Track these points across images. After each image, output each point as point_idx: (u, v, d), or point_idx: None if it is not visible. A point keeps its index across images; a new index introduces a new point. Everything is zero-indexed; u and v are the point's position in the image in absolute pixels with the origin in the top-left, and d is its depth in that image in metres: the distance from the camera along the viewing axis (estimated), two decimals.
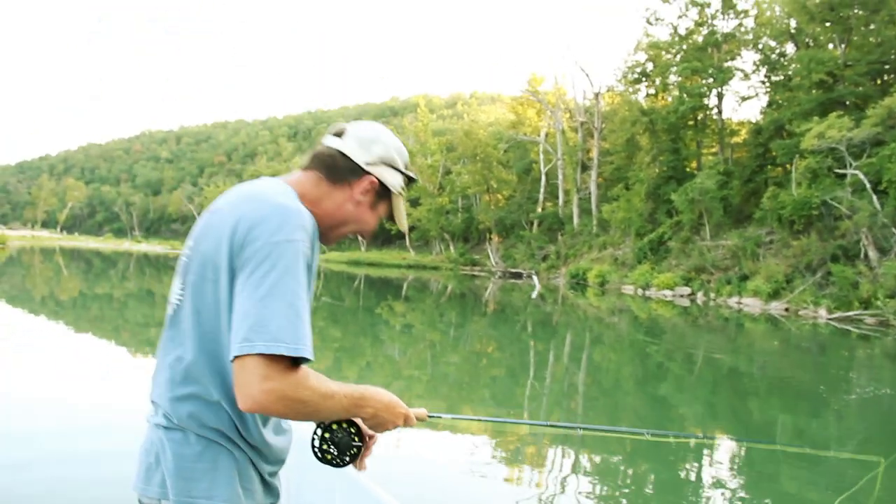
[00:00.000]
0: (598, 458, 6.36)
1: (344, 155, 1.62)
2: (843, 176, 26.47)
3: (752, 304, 26.78)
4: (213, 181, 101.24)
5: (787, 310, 25.16)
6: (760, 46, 36.21)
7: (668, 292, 31.37)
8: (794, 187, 28.21)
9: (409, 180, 1.75)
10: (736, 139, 39.18)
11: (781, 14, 34.19)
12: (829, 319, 22.77)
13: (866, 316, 22.27)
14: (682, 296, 30.79)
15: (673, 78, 39.01)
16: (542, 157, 53.23)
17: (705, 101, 37.66)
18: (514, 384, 10.29)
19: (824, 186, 26.71)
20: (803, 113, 29.53)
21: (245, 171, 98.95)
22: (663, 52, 39.64)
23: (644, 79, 41.71)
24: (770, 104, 35.68)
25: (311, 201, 1.58)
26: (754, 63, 36.94)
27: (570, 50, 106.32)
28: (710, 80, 36.46)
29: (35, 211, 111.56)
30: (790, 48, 34.92)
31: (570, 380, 10.96)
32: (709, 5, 37.42)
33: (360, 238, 1.76)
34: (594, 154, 47.17)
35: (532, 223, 52.11)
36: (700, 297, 30.27)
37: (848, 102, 29.56)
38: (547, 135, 53.34)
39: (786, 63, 34.77)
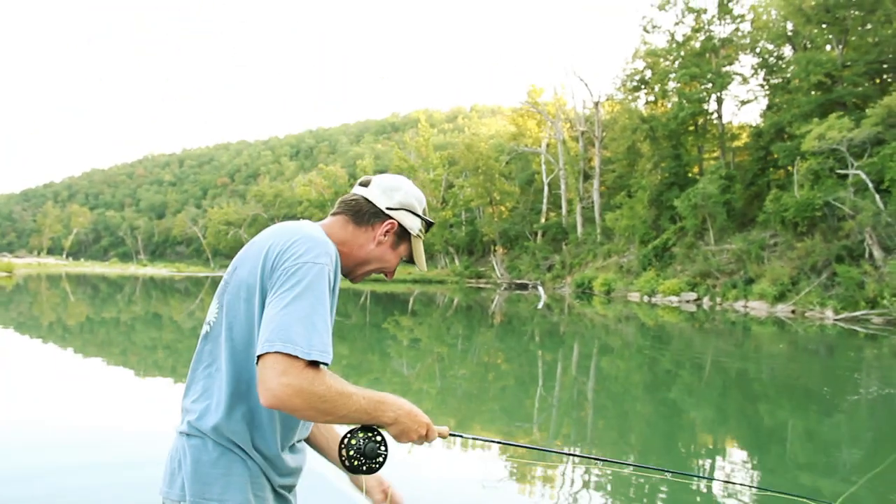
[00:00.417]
0: (605, 481, 6.37)
1: (368, 200, 1.83)
2: (845, 176, 26.49)
3: (758, 308, 26.74)
4: (217, 202, 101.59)
5: (793, 312, 25.12)
6: (758, 50, 36.31)
7: (674, 298, 31.34)
8: (796, 189, 28.22)
9: (428, 225, 1.96)
10: (737, 143, 39.25)
11: (778, 17, 34.31)
12: (836, 320, 22.72)
13: (873, 315, 22.23)
14: (688, 301, 30.76)
15: (672, 84, 39.16)
16: (543, 167, 53.37)
17: (705, 106, 37.76)
18: (524, 397, 10.29)
19: (826, 187, 26.72)
20: (803, 115, 29.60)
21: (248, 192, 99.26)
22: (661, 60, 39.79)
23: (643, 86, 41.85)
24: (770, 107, 35.75)
25: (339, 241, 1.78)
26: (752, 67, 37.09)
27: (569, 60, 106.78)
28: (709, 85, 36.58)
29: (41, 238, 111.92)
30: (788, 51, 35.02)
31: (580, 389, 10.95)
32: (705, 11, 37.61)
33: (384, 276, 1.95)
34: (596, 163, 47.27)
35: (536, 234, 52.17)
36: (706, 302, 30.23)
37: (847, 103, 29.61)
38: (548, 145, 53.49)
39: (784, 66, 34.87)
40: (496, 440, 2.14)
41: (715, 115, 38.58)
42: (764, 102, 37.10)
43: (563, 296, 38.21)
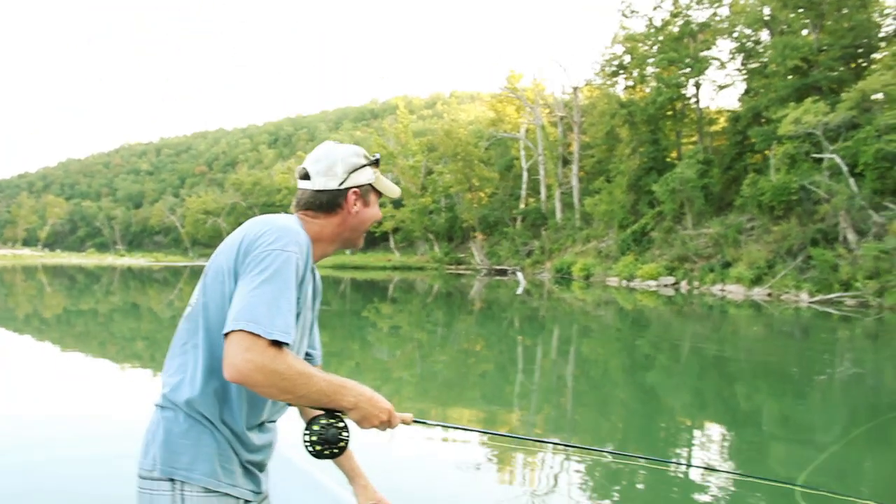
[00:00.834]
0: (583, 465, 6.43)
1: (320, 191, 1.89)
2: (821, 160, 26.74)
3: (735, 291, 27.01)
4: (195, 191, 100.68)
5: (769, 295, 25.40)
6: (735, 35, 36.43)
7: (652, 283, 31.58)
8: (772, 173, 28.47)
9: (376, 162, 2.00)
10: (714, 128, 39.47)
11: (755, 2, 34.45)
12: (811, 303, 23.02)
13: (847, 298, 22.55)
14: (666, 285, 31.00)
15: (650, 69, 39.23)
16: (522, 153, 53.39)
17: (683, 91, 37.86)
18: (503, 383, 10.35)
19: (802, 171, 26.97)
20: (780, 99, 29.80)
21: (226, 180, 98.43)
22: (640, 45, 39.83)
23: (621, 71, 41.89)
24: (747, 92, 35.93)
25: (318, 231, 1.88)
26: (730, 51, 37.19)
27: (548, 46, 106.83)
28: (687, 70, 36.68)
29: (15, 229, 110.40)
30: (765, 35, 35.17)
31: (559, 374, 11.04)
32: None
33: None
34: (575, 148, 47.36)
35: (515, 220, 52.25)
36: (684, 285, 30.48)
37: (823, 87, 29.83)
38: (527, 131, 53.51)
39: (761, 50, 35.01)
40: (461, 427, 2.18)
41: (693, 99, 38.75)
42: (741, 87, 37.31)
43: (542, 281, 38.35)
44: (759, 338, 16.15)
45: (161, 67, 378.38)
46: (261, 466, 1.83)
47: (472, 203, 55.01)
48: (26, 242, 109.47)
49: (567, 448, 6.44)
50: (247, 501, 1.76)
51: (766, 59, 33.52)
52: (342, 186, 1.89)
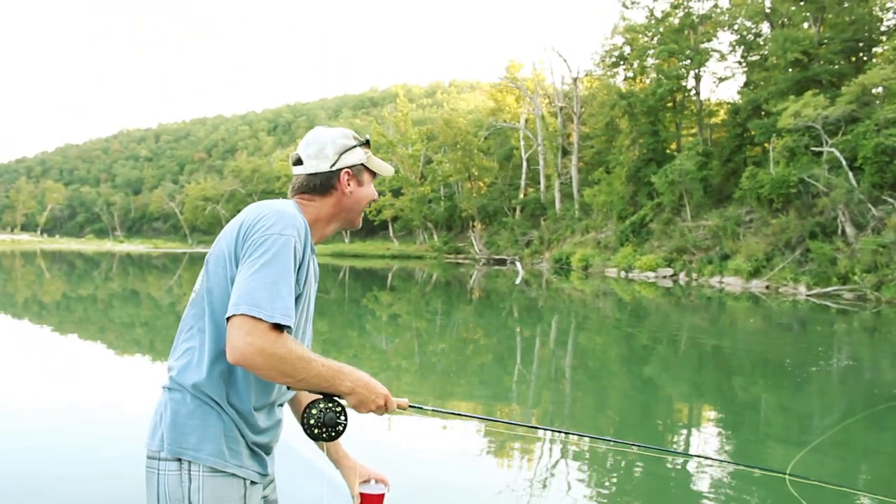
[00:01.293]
0: (581, 452, 6.50)
1: (313, 174, 1.95)
2: (820, 154, 26.77)
3: (733, 283, 27.09)
4: (194, 178, 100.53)
5: (767, 287, 25.48)
6: (736, 27, 36.38)
7: (650, 274, 31.66)
8: (772, 166, 28.50)
9: (367, 142, 2.04)
10: (714, 120, 39.45)
11: None
12: (809, 295, 23.10)
13: (844, 291, 22.63)
14: (664, 277, 31.08)
15: (650, 61, 39.17)
16: (522, 143, 53.36)
17: (683, 82, 37.87)
18: (502, 372, 10.42)
19: (801, 164, 27.00)
20: (780, 92, 29.82)
21: (226, 167, 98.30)
22: (640, 36, 39.75)
23: (622, 62, 41.81)
24: (747, 84, 35.92)
25: (313, 213, 1.94)
26: (730, 44, 37.17)
27: (548, 35, 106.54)
28: (688, 61, 36.67)
29: (14, 215, 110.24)
30: (765, 28, 35.13)
31: (558, 364, 11.11)
32: None
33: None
34: (574, 138, 47.34)
35: (514, 209, 52.27)
36: (682, 277, 30.56)
37: (823, 81, 29.85)
38: (527, 121, 53.45)
39: (761, 43, 34.99)
40: (456, 413, 2.23)
41: (693, 91, 38.74)
42: (741, 79, 37.28)
43: (541, 271, 38.43)
44: (757, 330, 16.23)
45: (161, 67, 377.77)
46: (267, 449, 1.86)
47: (471, 192, 55.02)
48: (25, 228, 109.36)
49: (562, 435, 6.51)
50: (252, 482, 1.79)
51: (766, 52, 33.51)
52: (334, 168, 1.94)
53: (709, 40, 37.21)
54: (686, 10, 37.71)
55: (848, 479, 5.46)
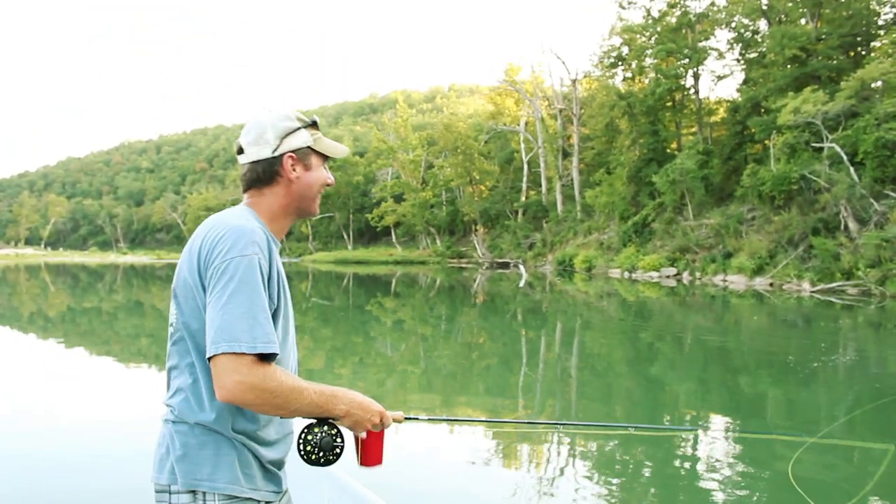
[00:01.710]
0: (586, 449, 6.51)
1: (255, 162, 1.84)
2: (821, 149, 26.76)
3: (737, 281, 27.07)
4: (196, 188, 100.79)
5: (771, 285, 25.46)
6: (733, 24, 36.38)
7: (654, 274, 31.64)
8: (772, 163, 28.50)
9: (314, 123, 1.91)
10: (714, 118, 39.45)
11: None
12: (813, 292, 23.07)
13: (849, 286, 22.61)
14: (668, 276, 31.07)
15: (648, 60, 39.20)
16: (522, 146, 53.41)
17: (682, 81, 37.91)
18: (508, 375, 10.42)
19: (802, 161, 26.99)
20: (778, 89, 29.82)
21: (227, 177, 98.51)
22: (638, 36, 39.78)
23: (620, 63, 41.85)
24: (746, 82, 35.92)
25: (267, 209, 1.84)
26: (728, 41, 37.16)
27: (546, 38, 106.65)
28: (686, 60, 36.70)
29: (17, 229, 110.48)
30: (763, 25, 35.14)
31: (563, 366, 11.10)
32: None
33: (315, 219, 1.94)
34: (574, 140, 47.37)
35: (516, 212, 52.31)
36: (686, 276, 30.54)
37: (822, 76, 29.85)
38: (526, 124, 53.49)
39: (759, 40, 34.99)
40: (452, 419, 2.21)
41: (692, 90, 38.75)
42: (740, 77, 37.29)
43: (544, 274, 38.43)
44: (762, 327, 16.22)
45: (161, 67, 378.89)
46: (279, 464, 1.83)
47: (472, 196, 55.08)
48: (29, 241, 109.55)
49: (568, 436, 6.52)
50: (268, 502, 1.77)
51: (764, 49, 33.51)
52: (276, 153, 1.82)
53: (706, 39, 37.25)
54: (683, 8, 37.74)
55: (850, 470, 5.47)
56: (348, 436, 1.79)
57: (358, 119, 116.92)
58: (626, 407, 8.31)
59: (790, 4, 31.83)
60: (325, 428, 1.73)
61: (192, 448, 1.66)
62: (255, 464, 1.73)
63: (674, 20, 38.04)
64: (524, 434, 6.72)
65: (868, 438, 6.66)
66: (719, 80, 39.11)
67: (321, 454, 1.74)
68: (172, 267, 54.03)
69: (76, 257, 78.63)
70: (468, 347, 13.58)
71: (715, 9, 37.25)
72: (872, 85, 26.63)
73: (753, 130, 32.10)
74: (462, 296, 26.55)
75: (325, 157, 1.92)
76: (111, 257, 78.59)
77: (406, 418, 1.94)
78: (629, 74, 42.11)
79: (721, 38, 40.23)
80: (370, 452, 1.97)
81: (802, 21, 31.43)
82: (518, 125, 54.15)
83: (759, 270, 26.61)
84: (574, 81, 48.16)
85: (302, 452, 1.74)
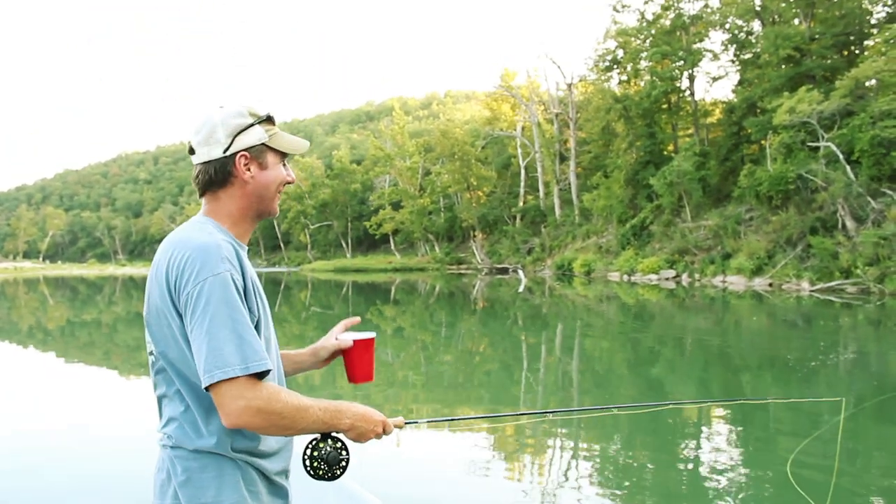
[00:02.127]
0: (577, 441, 6.51)
1: (207, 163, 1.74)
2: (817, 149, 26.82)
3: (736, 282, 27.10)
4: (194, 199, 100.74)
5: (770, 285, 25.49)
6: (727, 26, 36.51)
7: (653, 276, 31.67)
8: (769, 163, 28.56)
9: (269, 119, 1.80)
10: (710, 119, 39.55)
11: None
12: (812, 291, 23.10)
13: (847, 285, 22.64)
14: (667, 279, 31.09)
15: (644, 63, 39.30)
16: (519, 150, 53.50)
17: (677, 83, 38.00)
18: (508, 381, 10.43)
19: (799, 160, 27.04)
20: (774, 89, 29.89)
21: None
22: (632, 39, 39.91)
23: (615, 66, 41.95)
24: (741, 82, 36.02)
25: (226, 214, 1.76)
26: (723, 43, 37.31)
27: (541, 42, 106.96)
28: (681, 62, 36.79)
29: (16, 242, 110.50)
30: (757, 26, 35.25)
31: (564, 370, 11.10)
32: None
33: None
34: (571, 144, 47.46)
35: (515, 217, 52.36)
36: (685, 278, 30.56)
37: (816, 76, 29.91)
38: (523, 128, 53.59)
39: (753, 41, 35.11)
40: (449, 418, 2.21)
41: (687, 92, 38.86)
42: (735, 78, 37.39)
43: (544, 278, 38.43)
44: (762, 328, 16.22)
45: (161, 67, 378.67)
46: (285, 473, 1.81)
47: (470, 202, 55.12)
48: (27, 255, 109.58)
49: (574, 439, 6.53)
50: None
51: (758, 50, 33.60)
52: (228, 153, 1.72)
53: (701, 40, 37.35)
54: (677, 11, 37.87)
55: (851, 465, 5.47)
56: (353, 446, 1.79)
57: (355, 127, 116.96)
58: (627, 417, 8.30)
59: (783, 5, 31.94)
60: (330, 442, 1.73)
61: (195, 472, 1.62)
62: (260, 480, 1.70)
63: (668, 23, 38.16)
64: (524, 434, 6.74)
65: (870, 431, 6.67)
66: (714, 82, 39.27)
67: (328, 469, 1.73)
68: None
69: (75, 270, 78.60)
70: (469, 354, 13.58)
71: (709, 10, 37.38)
72: (867, 83, 26.71)
73: (749, 131, 32.18)
74: (462, 302, 26.54)
75: (283, 154, 1.81)
76: (110, 269, 78.55)
77: (406, 423, 1.93)
78: (624, 77, 42.24)
79: (715, 39, 40.50)
80: (358, 369, 1.99)
81: (796, 21, 31.54)
82: (515, 130, 54.24)
83: (758, 271, 26.64)
84: (570, 85, 48.28)
85: (309, 468, 1.73)
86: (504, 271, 45.45)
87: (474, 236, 53.54)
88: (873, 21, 30.78)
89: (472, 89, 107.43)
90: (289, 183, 1.84)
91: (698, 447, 6.56)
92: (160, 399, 1.70)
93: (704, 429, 7.21)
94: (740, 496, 5.03)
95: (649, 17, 39.09)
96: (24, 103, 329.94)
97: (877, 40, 28.63)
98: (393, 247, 63.06)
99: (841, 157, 25.31)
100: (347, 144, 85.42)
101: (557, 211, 47.76)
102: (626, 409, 5.56)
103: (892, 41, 25.45)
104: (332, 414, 1.66)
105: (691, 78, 38.12)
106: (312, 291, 32.71)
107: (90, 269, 78.97)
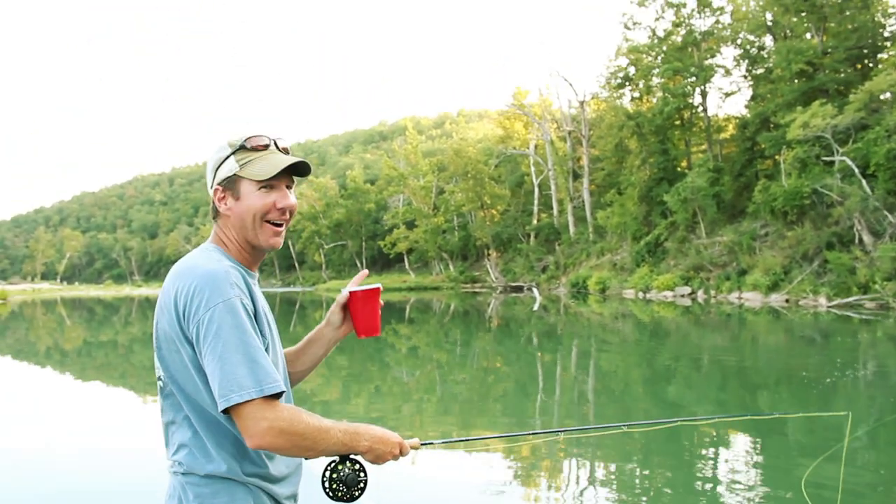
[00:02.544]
0: (593, 460, 6.47)
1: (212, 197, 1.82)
2: (832, 163, 26.69)
3: (752, 298, 26.90)
4: (209, 219, 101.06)
5: (787, 301, 25.28)
6: (739, 41, 36.57)
7: (668, 293, 31.49)
8: (784, 178, 28.42)
9: (241, 146, 1.77)
10: (723, 135, 39.47)
11: (757, 8, 34.60)
12: (830, 307, 22.88)
13: (866, 300, 22.42)
14: (682, 295, 30.90)
15: (656, 80, 39.33)
16: (532, 169, 53.52)
17: (689, 100, 37.97)
18: (523, 398, 10.38)
19: (814, 175, 26.91)
20: (787, 104, 29.82)
21: None
22: (644, 56, 39.99)
23: (627, 83, 42.05)
24: (754, 98, 35.99)
25: (228, 243, 1.79)
26: (734, 58, 37.41)
27: (553, 61, 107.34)
28: (693, 78, 36.78)
29: (34, 264, 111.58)
30: (768, 41, 35.29)
31: (580, 389, 11.05)
32: (684, 5, 37.84)
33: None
34: (584, 162, 47.45)
35: (529, 235, 52.30)
36: (700, 295, 30.37)
37: (830, 90, 29.85)
38: (536, 146, 53.65)
39: (765, 56, 35.12)
40: (464, 439, 2.19)
41: (700, 108, 38.82)
42: (748, 93, 37.40)
43: (558, 296, 38.32)
44: (780, 344, 16.08)
45: (161, 67, 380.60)
46: (294, 499, 1.83)
47: (484, 221, 55.14)
48: (45, 276, 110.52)
49: (573, 433, 6.49)
50: None
51: (770, 65, 33.59)
52: (212, 187, 1.79)
53: (713, 56, 37.41)
54: (688, 27, 37.94)
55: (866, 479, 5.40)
56: (370, 467, 1.80)
57: (368, 147, 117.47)
58: (643, 436, 8.23)
59: (795, 19, 31.92)
60: (349, 464, 1.74)
61: (207, 497, 1.63)
62: (268, 502, 1.71)
63: (679, 39, 38.24)
64: (539, 453, 6.70)
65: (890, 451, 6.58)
66: (727, 97, 39.24)
67: (346, 490, 1.75)
68: None
69: (92, 291, 79.13)
70: (484, 372, 13.53)
71: (720, 26, 37.44)
72: (881, 97, 26.60)
73: (763, 146, 32.08)
74: (477, 320, 26.49)
75: (267, 182, 1.74)
76: (126, 290, 79.02)
77: (422, 444, 1.93)
78: (637, 94, 42.30)
79: (727, 55, 40.50)
80: (359, 322, 2.02)
81: (808, 36, 31.50)
82: (528, 148, 54.31)
83: (774, 287, 26.44)
84: (582, 103, 48.36)
85: (328, 490, 1.75)
86: (519, 289, 45.35)
87: (488, 255, 53.51)
88: (886, 34, 30.72)
89: (485, 108, 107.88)
90: (283, 208, 1.77)
91: (714, 465, 6.50)
92: (168, 426, 1.71)
93: (720, 447, 7.14)
94: None
95: (660, 33, 39.23)
96: (24, 103, 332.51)
97: (891, 53, 28.57)
98: (407, 266, 63.10)
99: (856, 171, 25.17)
100: (361, 164, 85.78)
101: (571, 228, 47.68)
102: (637, 426, 5.53)
103: None
104: (352, 436, 1.67)
105: (704, 94, 38.11)
106: (327, 311, 32.54)
107: (107, 291, 79.49)
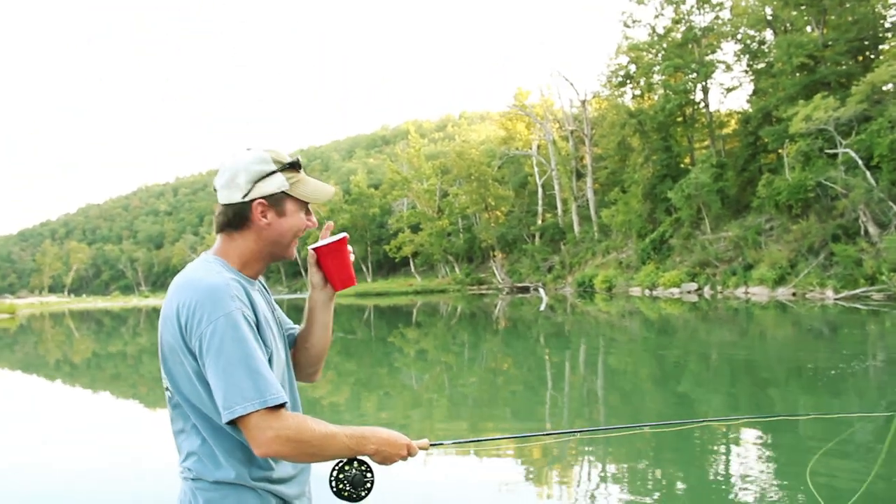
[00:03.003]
0: (605, 461, 6.47)
1: (227, 205, 1.77)
2: (835, 156, 26.65)
3: (759, 293, 26.86)
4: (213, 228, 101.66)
5: (794, 294, 25.24)
6: (739, 36, 36.54)
7: (675, 290, 31.46)
8: (787, 172, 28.39)
9: (290, 165, 1.81)
10: (726, 130, 39.46)
11: (756, 2, 34.55)
12: (837, 299, 22.85)
13: (873, 292, 22.36)
14: (689, 292, 30.88)
15: (657, 77, 39.35)
16: (536, 169, 53.53)
17: (691, 96, 37.99)
18: (532, 399, 10.38)
19: (817, 168, 26.87)
20: (789, 97, 29.80)
21: None
22: (644, 53, 40.01)
23: (628, 81, 42.05)
24: (755, 92, 35.96)
25: (238, 254, 1.79)
26: (735, 53, 37.33)
27: (553, 60, 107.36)
28: (694, 75, 36.78)
29: (41, 277, 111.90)
30: (769, 35, 35.25)
31: (589, 387, 11.04)
32: (683, 2, 37.83)
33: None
34: (587, 161, 47.46)
35: (534, 236, 52.31)
36: (707, 290, 30.34)
37: (831, 82, 29.81)
38: (539, 147, 53.68)
39: (766, 50, 35.09)
40: (474, 440, 2.20)
41: (702, 104, 38.82)
42: (749, 88, 37.39)
43: (565, 296, 38.31)
44: (788, 338, 16.05)
45: (161, 67, 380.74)
46: (304, 498, 1.86)
47: (489, 222, 55.16)
48: (52, 289, 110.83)
49: (585, 433, 6.49)
50: None
51: (771, 59, 33.57)
52: (246, 199, 1.74)
53: (713, 52, 37.37)
54: (688, 23, 37.92)
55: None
56: (378, 467, 1.82)
57: (371, 151, 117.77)
58: (654, 435, 8.24)
59: (795, 13, 31.88)
60: (356, 465, 1.78)
61: (215, 502, 1.67)
62: None
63: (679, 35, 38.23)
64: (550, 454, 6.70)
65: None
66: (729, 93, 39.27)
67: (353, 490, 1.78)
68: None
69: (99, 303, 79.31)
70: (492, 373, 13.54)
71: (720, 22, 37.42)
72: (884, 88, 26.55)
73: (766, 140, 32.05)
74: (484, 322, 26.50)
75: (303, 203, 1.83)
76: (133, 301, 79.18)
77: (431, 445, 1.96)
78: (638, 92, 42.30)
79: (728, 50, 40.39)
80: (332, 275, 2.00)
81: (808, 29, 31.48)
82: (530, 149, 54.34)
83: (780, 280, 26.41)
84: (583, 102, 48.39)
85: (335, 489, 1.78)
86: (525, 290, 45.35)
87: (494, 256, 53.52)
88: (887, 25, 30.66)
89: (487, 110, 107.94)
90: (309, 228, 1.87)
91: (727, 464, 6.49)
92: (177, 434, 1.75)
93: (733, 445, 7.13)
94: None
95: (660, 30, 39.24)
96: (24, 103, 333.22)
97: (892, 44, 28.55)
98: (413, 269, 63.14)
99: (860, 162, 25.13)
100: (364, 169, 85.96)
101: (576, 228, 47.68)
102: (656, 426, 5.52)
103: None
104: (358, 440, 1.70)
105: (705, 90, 38.10)
106: (334, 317, 32.64)
107: (114, 302, 79.66)
